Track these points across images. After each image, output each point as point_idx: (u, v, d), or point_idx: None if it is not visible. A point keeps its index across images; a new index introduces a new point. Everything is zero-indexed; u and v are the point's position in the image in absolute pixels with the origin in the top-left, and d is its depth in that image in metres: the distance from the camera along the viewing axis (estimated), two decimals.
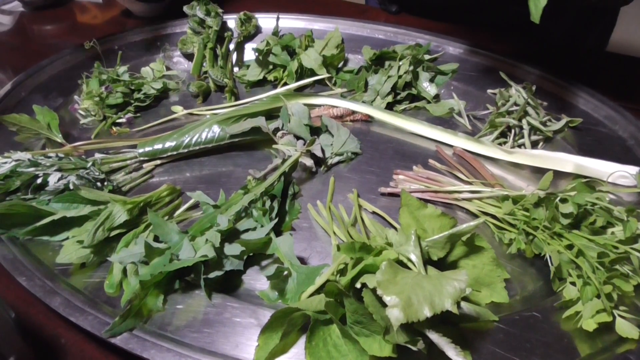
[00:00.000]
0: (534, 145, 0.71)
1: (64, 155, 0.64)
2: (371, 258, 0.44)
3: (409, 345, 0.40)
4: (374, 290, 0.40)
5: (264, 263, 0.54)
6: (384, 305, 0.38)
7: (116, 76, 0.81)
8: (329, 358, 0.42)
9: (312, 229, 0.59)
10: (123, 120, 0.78)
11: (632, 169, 0.61)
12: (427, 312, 0.38)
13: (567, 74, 0.79)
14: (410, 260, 0.45)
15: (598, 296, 0.46)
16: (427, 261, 0.47)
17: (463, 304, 0.46)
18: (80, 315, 0.46)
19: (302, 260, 0.55)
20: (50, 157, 0.62)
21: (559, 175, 0.64)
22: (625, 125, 0.70)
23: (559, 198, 0.52)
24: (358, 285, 0.43)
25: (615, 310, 0.45)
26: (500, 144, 0.70)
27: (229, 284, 0.52)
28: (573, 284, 0.48)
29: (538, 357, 0.43)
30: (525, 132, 0.70)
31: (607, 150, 0.67)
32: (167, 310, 0.48)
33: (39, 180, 0.58)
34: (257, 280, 0.53)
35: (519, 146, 0.70)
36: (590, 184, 0.54)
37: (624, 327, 0.44)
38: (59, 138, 0.69)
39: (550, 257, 0.50)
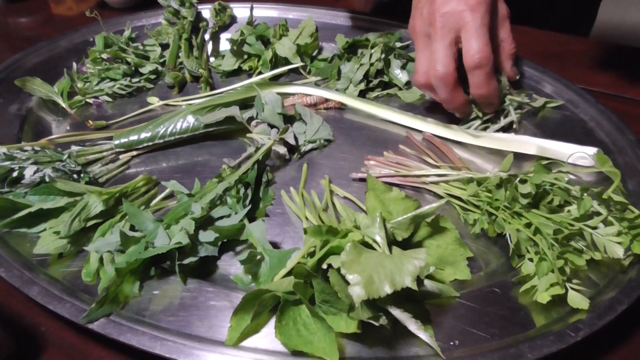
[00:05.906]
0: (507, 129, 0.72)
1: (39, 148, 0.64)
2: (337, 240, 0.46)
3: (372, 321, 0.42)
4: (339, 270, 0.42)
5: (238, 248, 0.56)
6: (348, 283, 0.40)
7: (125, 45, 0.86)
8: (298, 336, 0.44)
9: (286, 215, 0.61)
10: (98, 101, 0.81)
11: (590, 150, 0.63)
12: (387, 289, 0.40)
13: (537, 58, 0.81)
14: (375, 241, 0.47)
15: (553, 271, 0.48)
16: (393, 242, 0.49)
17: (426, 281, 0.48)
18: (59, 303, 0.47)
19: (276, 245, 0.57)
20: (25, 151, 0.62)
21: (523, 157, 0.66)
22: (586, 108, 0.73)
23: (518, 179, 0.54)
24: (325, 267, 0.45)
25: (567, 284, 0.48)
26: (485, 128, 0.71)
27: (204, 270, 0.53)
28: (530, 260, 0.51)
29: (496, 329, 0.46)
30: (511, 108, 0.71)
31: (568, 132, 0.70)
32: (143, 296, 0.49)
33: (15, 174, 0.59)
34: (231, 265, 0.54)
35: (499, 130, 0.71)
36: (551, 165, 0.57)
37: (575, 299, 0.46)
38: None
39: (509, 235, 0.53)
